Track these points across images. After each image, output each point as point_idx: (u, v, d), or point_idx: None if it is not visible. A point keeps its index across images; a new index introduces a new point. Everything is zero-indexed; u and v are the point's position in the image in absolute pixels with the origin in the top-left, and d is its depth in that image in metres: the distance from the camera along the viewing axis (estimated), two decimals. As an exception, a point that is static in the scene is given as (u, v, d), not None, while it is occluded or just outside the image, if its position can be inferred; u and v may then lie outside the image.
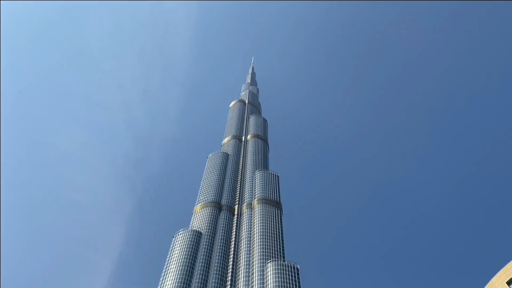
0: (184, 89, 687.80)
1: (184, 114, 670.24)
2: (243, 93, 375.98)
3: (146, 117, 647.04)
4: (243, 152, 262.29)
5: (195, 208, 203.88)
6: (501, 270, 60.15)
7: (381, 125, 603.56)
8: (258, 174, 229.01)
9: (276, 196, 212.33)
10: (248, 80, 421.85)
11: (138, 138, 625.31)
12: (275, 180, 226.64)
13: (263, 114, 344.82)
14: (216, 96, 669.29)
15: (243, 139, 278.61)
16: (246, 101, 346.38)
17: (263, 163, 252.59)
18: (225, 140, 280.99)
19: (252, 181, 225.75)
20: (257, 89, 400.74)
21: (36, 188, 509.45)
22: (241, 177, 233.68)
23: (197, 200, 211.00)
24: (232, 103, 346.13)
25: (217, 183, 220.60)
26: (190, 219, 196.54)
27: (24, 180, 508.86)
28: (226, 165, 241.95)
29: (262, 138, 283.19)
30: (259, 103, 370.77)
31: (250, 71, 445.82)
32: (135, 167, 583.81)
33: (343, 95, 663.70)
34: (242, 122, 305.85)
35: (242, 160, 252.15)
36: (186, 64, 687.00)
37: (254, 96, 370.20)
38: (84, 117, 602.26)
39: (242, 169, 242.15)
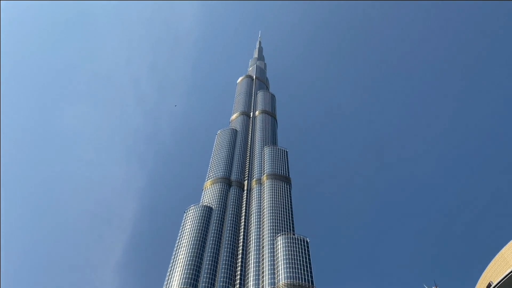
0: (191, 64, 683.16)
1: (193, 90, 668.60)
2: (250, 68, 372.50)
3: (155, 93, 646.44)
4: (252, 128, 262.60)
5: (205, 184, 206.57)
6: (511, 241, 60.92)
7: (391, 100, 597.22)
8: (267, 150, 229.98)
9: (285, 171, 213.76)
10: (256, 55, 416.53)
11: (148, 113, 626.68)
12: (284, 155, 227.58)
13: (271, 90, 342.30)
14: (224, 71, 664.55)
15: (251, 115, 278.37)
16: (254, 77, 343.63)
17: (271, 139, 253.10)
18: (234, 116, 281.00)
19: (261, 156, 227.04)
20: (265, 64, 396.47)
21: (48, 166, 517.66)
22: (250, 153, 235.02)
23: (207, 176, 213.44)
24: (240, 78, 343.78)
25: (226, 159, 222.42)
26: (201, 195, 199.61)
27: (35, 158, 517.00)
28: (235, 141, 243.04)
29: (270, 114, 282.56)
30: (266, 78, 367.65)
31: (257, 46, 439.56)
32: (145, 143, 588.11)
33: (353, 69, 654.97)
34: (250, 98, 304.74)
35: (251, 136, 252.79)
36: (193, 39, 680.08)
37: (261, 71, 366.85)
38: (93, 93, 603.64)
39: (250, 145, 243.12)
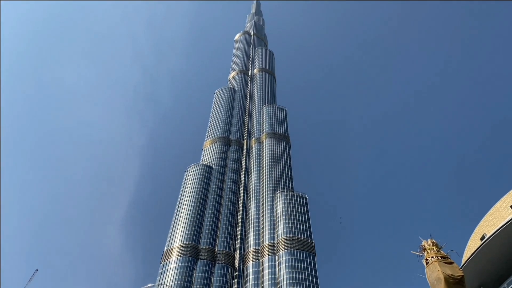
0: (188, 21, 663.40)
1: (190, 48, 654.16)
2: (248, 25, 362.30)
3: (152, 51, 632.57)
4: (250, 86, 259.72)
5: (204, 144, 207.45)
6: (506, 195, 61.77)
7: (392, 57, 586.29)
8: (265, 109, 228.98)
9: (284, 130, 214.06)
10: (253, 9, 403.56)
11: (146, 71, 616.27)
12: (283, 114, 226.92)
13: (269, 47, 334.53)
14: (221, 27, 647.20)
15: (249, 73, 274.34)
16: (252, 33, 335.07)
17: (270, 97, 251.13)
18: (232, 74, 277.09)
19: (260, 115, 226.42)
20: (263, 20, 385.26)
21: (48, 127, 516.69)
22: (248, 112, 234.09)
23: (206, 136, 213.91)
24: (237, 35, 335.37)
25: (225, 119, 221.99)
26: (201, 154, 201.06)
27: (35, 120, 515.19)
28: (233, 100, 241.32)
29: (269, 72, 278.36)
30: (265, 34, 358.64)
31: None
32: (145, 102, 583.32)
33: (355, 24, 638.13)
34: (248, 56, 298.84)
35: (249, 95, 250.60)
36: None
37: (259, 28, 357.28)
38: (90, 51, 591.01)
39: (249, 104, 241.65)
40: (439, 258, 20.42)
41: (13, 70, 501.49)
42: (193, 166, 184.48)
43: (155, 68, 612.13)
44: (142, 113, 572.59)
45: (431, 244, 21.60)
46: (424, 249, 21.45)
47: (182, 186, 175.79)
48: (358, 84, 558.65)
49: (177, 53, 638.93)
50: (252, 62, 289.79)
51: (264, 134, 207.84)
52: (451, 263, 20.32)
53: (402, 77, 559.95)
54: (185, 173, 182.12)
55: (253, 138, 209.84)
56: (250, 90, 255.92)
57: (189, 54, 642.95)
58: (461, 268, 21.02)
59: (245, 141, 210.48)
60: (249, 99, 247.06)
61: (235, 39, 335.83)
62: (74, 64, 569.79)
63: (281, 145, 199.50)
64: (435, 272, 19.74)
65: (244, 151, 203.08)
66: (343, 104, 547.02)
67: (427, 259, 20.81)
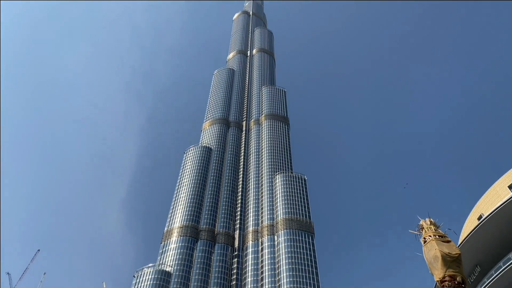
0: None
1: (189, 26, 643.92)
2: (246, 4, 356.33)
3: (150, 28, 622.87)
4: (249, 67, 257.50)
5: (203, 125, 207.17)
6: (504, 175, 62.12)
7: (389, 36, 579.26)
8: (265, 90, 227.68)
9: (283, 111, 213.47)
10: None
11: (144, 49, 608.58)
12: (282, 95, 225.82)
13: (269, 26, 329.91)
14: (220, 6, 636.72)
15: (248, 54, 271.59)
16: (251, 13, 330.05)
17: (269, 78, 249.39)
18: (230, 55, 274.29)
19: (259, 97, 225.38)
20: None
21: (46, 107, 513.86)
22: (247, 93, 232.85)
23: (205, 117, 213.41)
24: (236, 15, 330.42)
25: (224, 100, 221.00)
26: (200, 136, 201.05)
27: (33, 100, 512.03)
28: (232, 82, 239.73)
29: (268, 52, 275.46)
30: (264, 14, 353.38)
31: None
32: (143, 81, 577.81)
33: (354, 5, 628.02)
34: (247, 36, 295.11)
35: (248, 76, 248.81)
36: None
37: (258, 7, 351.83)
38: (87, 29, 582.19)
39: (248, 85, 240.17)
40: (437, 237, 20.64)
41: (12, 46, 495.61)
42: (193, 148, 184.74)
43: (153, 47, 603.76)
44: (141, 93, 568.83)
45: (429, 223, 21.80)
46: (422, 228, 21.66)
47: (182, 167, 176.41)
48: (358, 65, 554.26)
49: (175, 33, 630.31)
50: (251, 42, 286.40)
51: (263, 115, 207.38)
52: (448, 241, 20.55)
53: (402, 59, 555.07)
54: (185, 155, 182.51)
55: (252, 120, 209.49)
56: (249, 71, 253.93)
57: (188, 33, 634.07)
58: (458, 247, 21.27)
59: (244, 122, 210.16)
60: (248, 80, 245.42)
61: (233, 18, 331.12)
62: (71, 42, 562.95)
63: (280, 126, 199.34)
64: (432, 251, 19.99)
65: (243, 132, 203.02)
66: (343, 86, 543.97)
67: (424, 238, 21.03)
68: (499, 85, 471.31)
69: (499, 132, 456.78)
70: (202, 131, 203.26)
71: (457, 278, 18.97)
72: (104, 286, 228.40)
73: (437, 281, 19.66)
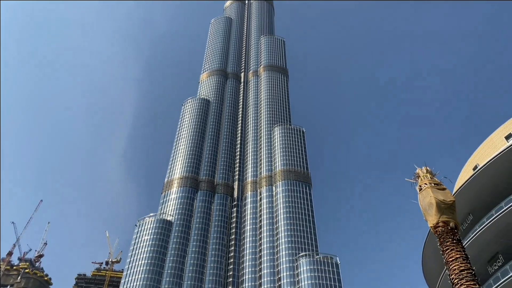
0: None
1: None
2: None
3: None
4: (247, 16, 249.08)
5: (201, 76, 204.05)
6: (501, 126, 62.10)
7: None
8: (263, 40, 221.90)
9: (282, 62, 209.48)
10: None
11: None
12: (281, 45, 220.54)
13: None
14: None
15: (246, 1, 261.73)
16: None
17: (268, 27, 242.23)
18: (227, 3, 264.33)
19: (258, 47, 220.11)
20: None
21: (42, 54, 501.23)
22: (246, 43, 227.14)
23: (202, 68, 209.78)
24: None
25: (222, 50, 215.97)
26: (198, 87, 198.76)
27: (28, 47, 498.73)
28: (230, 31, 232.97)
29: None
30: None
31: None
32: (139, 28, 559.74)
33: None
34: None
35: (247, 25, 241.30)
36: None
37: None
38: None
39: (246, 35, 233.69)
40: (432, 184, 20.87)
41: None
42: (190, 100, 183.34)
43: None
44: (137, 40, 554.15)
45: (425, 171, 21.96)
46: (418, 176, 21.86)
47: (180, 119, 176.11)
48: (359, 14, 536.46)
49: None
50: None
51: (262, 66, 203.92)
52: (443, 189, 20.83)
53: (403, 10, 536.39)
54: (183, 107, 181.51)
55: (251, 71, 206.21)
56: (247, 19, 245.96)
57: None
58: (453, 195, 21.60)
59: (242, 73, 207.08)
60: (247, 29, 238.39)
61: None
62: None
63: (279, 78, 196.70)
64: (427, 198, 20.32)
65: (242, 84, 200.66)
66: (345, 35, 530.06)
67: (420, 186, 21.28)
68: (500, 34, 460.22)
69: (498, 82, 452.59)
70: (200, 82, 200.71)
71: (450, 224, 19.43)
72: (107, 235, 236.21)
73: (431, 226, 20.16)
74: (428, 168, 22.31)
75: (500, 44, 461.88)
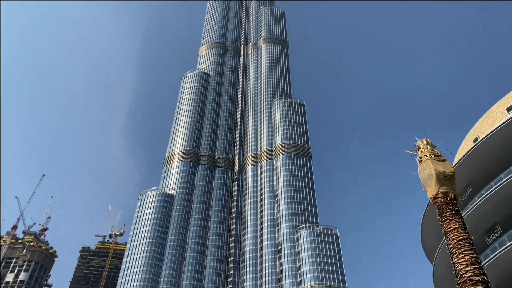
0: None
1: None
2: None
3: None
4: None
5: (200, 49, 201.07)
6: (503, 98, 61.46)
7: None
8: (263, 11, 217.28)
9: (283, 34, 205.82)
10: None
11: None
12: (281, 16, 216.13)
13: None
14: None
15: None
16: None
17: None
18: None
19: (257, 18, 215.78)
20: None
21: (37, 26, 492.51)
22: (245, 15, 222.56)
23: (201, 40, 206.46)
24: None
25: (221, 22, 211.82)
26: (197, 61, 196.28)
27: (24, 19, 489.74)
28: (229, 2, 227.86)
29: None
30: None
31: None
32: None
33: None
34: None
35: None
36: None
37: None
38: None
39: (246, 6, 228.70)
40: (433, 156, 20.80)
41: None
42: (190, 74, 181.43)
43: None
44: (136, 13, 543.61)
45: (425, 143, 21.84)
46: (419, 148, 21.75)
47: (180, 93, 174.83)
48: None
49: None
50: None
51: (262, 39, 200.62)
52: (443, 160, 20.76)
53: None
54: (182, 80, 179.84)
55: (251, 43, 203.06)
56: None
57: None
58: (453, 167, 21.54)
59: (242, 46, 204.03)
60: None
61: None
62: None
63: (279, 50, 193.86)
64: (427, 169, 20.28)
65: (242, 57, 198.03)
66: (346, 6, 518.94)
67: (420, 158, 21.20)
68: (501, 8, 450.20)
69: (500, 55, 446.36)
70: (199, 55, 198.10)
71: (450, 195, 19.46)
72: (110, 209, 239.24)
73: (430, 198, 20.21)
74: (428, 139, 22.17)
75: (505, 19, 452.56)
